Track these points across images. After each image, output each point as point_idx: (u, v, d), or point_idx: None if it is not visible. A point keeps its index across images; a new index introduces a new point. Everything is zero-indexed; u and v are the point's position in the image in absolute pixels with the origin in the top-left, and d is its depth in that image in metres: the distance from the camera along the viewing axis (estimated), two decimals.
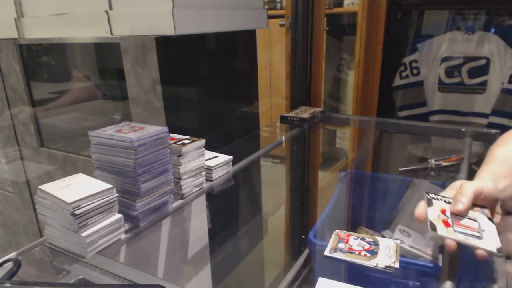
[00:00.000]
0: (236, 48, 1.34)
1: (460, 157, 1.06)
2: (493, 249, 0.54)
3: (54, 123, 1.45)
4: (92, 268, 0.65)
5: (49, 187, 0.73)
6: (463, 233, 0.56)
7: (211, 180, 0.91)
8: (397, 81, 1.78)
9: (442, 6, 1.74)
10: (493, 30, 1.64)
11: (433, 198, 0.63)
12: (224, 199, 1.00)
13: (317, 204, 1.33)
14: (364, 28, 1.70)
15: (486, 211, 0.61)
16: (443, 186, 0.97)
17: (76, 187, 0.71)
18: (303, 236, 1.19)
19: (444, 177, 1.04)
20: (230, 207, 1.19)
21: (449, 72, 1.71)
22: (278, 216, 1.39)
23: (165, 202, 0.76)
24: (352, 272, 0.68)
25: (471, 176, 1.03)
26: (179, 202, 0.81)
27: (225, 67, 1.31)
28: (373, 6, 1.67)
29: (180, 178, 0.80)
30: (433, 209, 0.60)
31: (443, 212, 0.60)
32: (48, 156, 1.39)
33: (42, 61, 1.42)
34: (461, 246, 0.55)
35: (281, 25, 2.13)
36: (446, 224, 0.58)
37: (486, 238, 0.56)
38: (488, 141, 1.22)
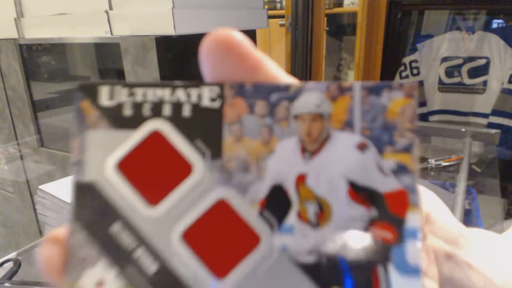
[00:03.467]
0: None
1: (460, 157, 1.06)
2: None
3: (54, 123, 1.46)
4: None
5: (49, 187, 0.73)
6: None
7: None
8: (397, 81, 1.78)
9: (442, 6, 1.74)
10: (493, 30, 1.65)
11: None
12: None
13: None
14: (364, 28, 1.70)
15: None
16: (443, 186, 0.97)
17: None
18: None
19: (444, 177, 1.04)
20: None
21: (449, 72, 1.71)
22: None
23: None
24: None
25: (471, 176, 1.03)
26: None
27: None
28: (373, 6, 1.68)
29: None
30: None
31: None
32: (48, 156, 1.39)
33: (42, 61, 1.42)
34: None
35: (281, 25, 2.13)
36: None
37: None
38: (488, 141, 1.22)
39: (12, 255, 0.76)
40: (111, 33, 1.04)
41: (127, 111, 0.13)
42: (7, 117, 1.45)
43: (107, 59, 1.33)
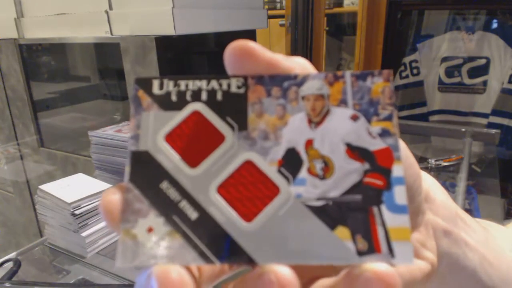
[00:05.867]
0: None
1: (460, 157, 1.06)
2: None
3: (54, 123, 1.46)
4: (92, 268, 0.65)
5: (49, 187, 0.73)
6: None
7: None
8: (397, 81, 1.78)
9: (442, 6, 1.74)
10: (493, 30, 1.65)
11: None
12: None
13: None
14: (364, 28, 1.70)
15: None
16: (443, 186, 0.97)
17: (76, 187, 0.72)
18: None
19: (444, 177, 1.04)
20: None
21: (449, 72, 1.71)
22: None
23: None
24: None
25: (471, 176, 1.03)
26: None
27: (225, 67, 1.31)
28: (373, 6, 1.68)
29: None
30: None
31: None
32: (48, 156, 1.39)
33: (42, 61, 1.42)
34: None
35: (281, 25, 2.13)
36: None
37: None
38: (488, 141, 1.22)
39: (12, 255, 0.76)
40: (111, 33, 1.04)
41: (173, 97, 0.16)
42: (7, 117, 1.45)
43: (107, 59, 1.33)
